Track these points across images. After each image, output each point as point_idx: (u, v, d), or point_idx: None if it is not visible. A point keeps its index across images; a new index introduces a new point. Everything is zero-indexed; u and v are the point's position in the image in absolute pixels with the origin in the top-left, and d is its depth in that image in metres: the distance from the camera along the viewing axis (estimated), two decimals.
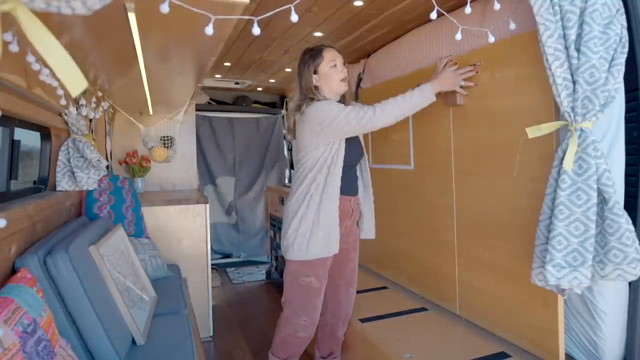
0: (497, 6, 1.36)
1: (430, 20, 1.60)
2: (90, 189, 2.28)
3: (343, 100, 1.93)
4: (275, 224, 3.69)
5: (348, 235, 1.97)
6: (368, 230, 2.07)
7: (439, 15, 1.25)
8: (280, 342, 1.97)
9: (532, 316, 1.66)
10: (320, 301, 1.91)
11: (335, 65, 1.83)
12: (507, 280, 1.77)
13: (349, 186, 1.90)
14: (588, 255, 1.32)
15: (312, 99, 1.83)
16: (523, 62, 1.63)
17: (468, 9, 1.34)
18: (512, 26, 1.61)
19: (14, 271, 1.32)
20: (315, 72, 1.84)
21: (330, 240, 1.80)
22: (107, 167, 2.68)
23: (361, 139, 2.01)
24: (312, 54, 1.85)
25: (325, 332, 2.09)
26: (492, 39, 1.48)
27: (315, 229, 1.77)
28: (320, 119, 1.75)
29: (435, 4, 1.22)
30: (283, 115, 4.79)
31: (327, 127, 1.74)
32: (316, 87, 1.85)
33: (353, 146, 1.89)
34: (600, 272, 1.38)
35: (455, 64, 1.89)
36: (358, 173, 2.01)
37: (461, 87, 1.88)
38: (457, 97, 1.89)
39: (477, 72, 1.83)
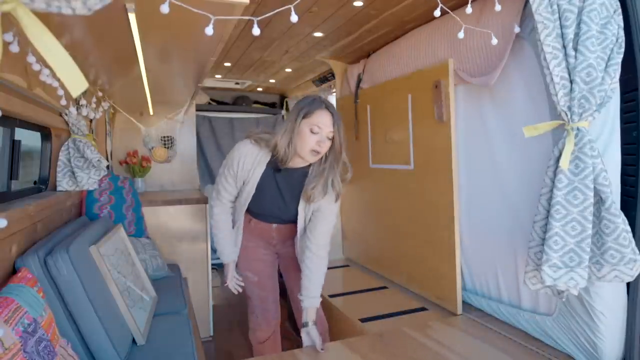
0: (497, 7, 1.36)
1: (430, 21, 1.61)
2: (90, 189, 2.28)
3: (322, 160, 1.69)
4: None
5: (282, 247, 1.96)
6: (306, 290, 1.73)
7: (443, 13, 1.25)
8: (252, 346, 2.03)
9: (440, 272, 2.11)
10: (266, 300, 1.92)
11: (313, 132, 1.59)
12: (426, 245, 2.26)
13: (265, 215, 1.83)
14: (585, 256, 1.32)
15: (263, 133, 1.73)
16: None
17: (469, 9, 1.34)
18: (517, 29, 1.60)
19: (14, 271, 1.33)
20: (299, 121, 1.62)
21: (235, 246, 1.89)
22: (108, 167, 2.68)
23: (296, 202, 1.74)
24: (309, 109, 1.61)
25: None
26: (495, 41, 1.48)
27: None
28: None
29: (439, 2, 1.22)
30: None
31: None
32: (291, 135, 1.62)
33: (266, 196, 1.73)
34: (596, 273, 1.37)
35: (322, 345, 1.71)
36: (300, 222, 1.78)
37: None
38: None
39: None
